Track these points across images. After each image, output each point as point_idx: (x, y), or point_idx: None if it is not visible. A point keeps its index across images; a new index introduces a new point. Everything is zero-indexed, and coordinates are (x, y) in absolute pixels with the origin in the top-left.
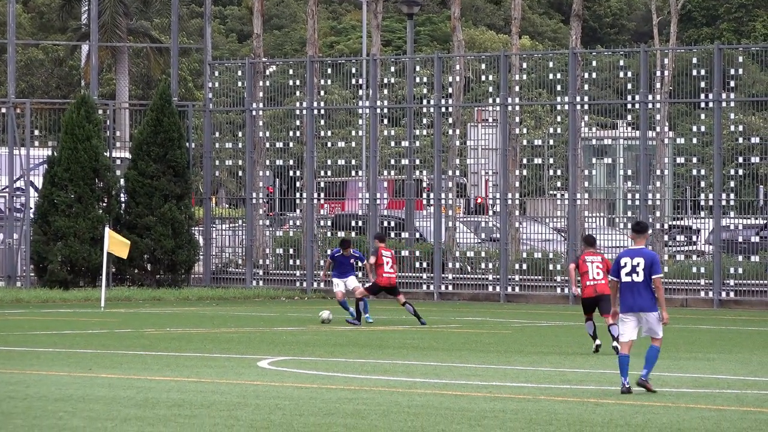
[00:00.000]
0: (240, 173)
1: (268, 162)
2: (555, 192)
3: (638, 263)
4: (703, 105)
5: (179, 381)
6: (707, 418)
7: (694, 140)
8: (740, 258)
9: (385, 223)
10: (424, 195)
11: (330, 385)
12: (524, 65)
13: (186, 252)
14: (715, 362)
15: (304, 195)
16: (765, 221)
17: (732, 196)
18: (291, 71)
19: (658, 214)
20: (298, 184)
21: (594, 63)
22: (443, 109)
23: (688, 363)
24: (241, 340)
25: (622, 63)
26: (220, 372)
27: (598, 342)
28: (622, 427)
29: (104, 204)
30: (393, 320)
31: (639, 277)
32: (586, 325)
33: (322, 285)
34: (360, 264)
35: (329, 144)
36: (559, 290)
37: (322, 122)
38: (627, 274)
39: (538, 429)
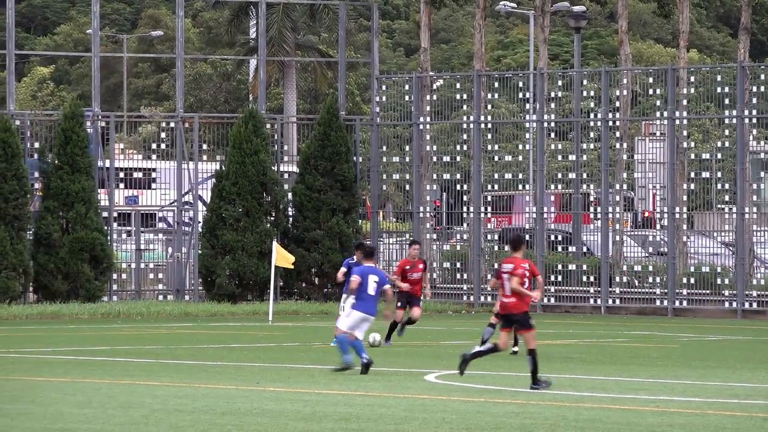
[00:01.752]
0: (407, 187)
1: (435, 176)
2: (723, 206)
3: None
4: None
5: (346, 395)
6: None
7: None
8: None
9: (552, 237)
10: (591, 209)
11: (497, 399)
12: (692, 79)
13: None
14: None
15: (471, 209)
16: None
17: None
18: (458, 85)
19: None
20: (465, 197)
21: (762, 76)
22: (610, 123)
23: None
24: (408, 353)
25: None
26: (387, 385)
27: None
28: None
29: (272, 218)
30: (560, 334)
31: None
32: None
33: (489, 299)
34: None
35: (496, 158)
36: (727, 304)
37: (489, 136)
38: None
39: None
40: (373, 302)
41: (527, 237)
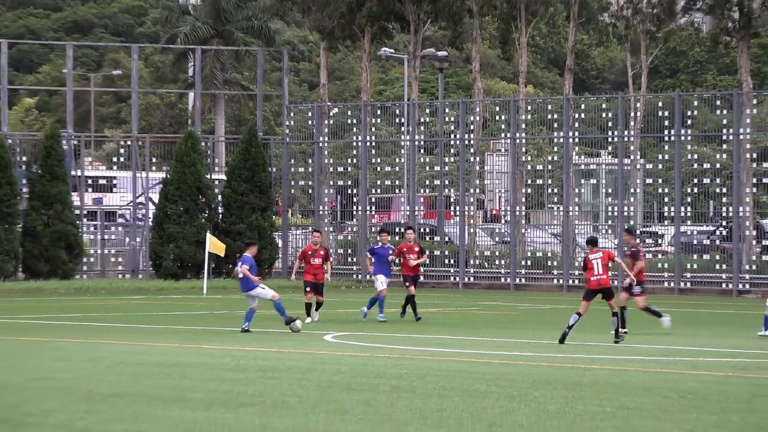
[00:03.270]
0: (310, 191)
1: (331, 182)
2: (552, 206)
3: None
4: (666, 138)
5: (264, 351)
6: (669, 379)
7: (660, 166)
8: (695, 256)
9: (422, 229)
10: (452, 208)
11: (379, 354)
12: (529, 108)
13: (269, 252)
14: (674, 337)
15: (359, 208)
16: (714, 228)
17: (689, 209)
18: (349, 113)
19: (632, 222)
20: (354, 199)
21: (582, 106)
22: (466, 142)
23: (654, 338)
24: None
25: (604, 106)
26: (295, 344)
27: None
28: (603, 386)
29: (206, 215)
30: (428, 304)
31: None
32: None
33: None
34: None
35: (378, 169)
36: (555, 281)
37: (373, 152)
38: None
39: (540, 388)
40: (243, 281)
41: (402, 230)
